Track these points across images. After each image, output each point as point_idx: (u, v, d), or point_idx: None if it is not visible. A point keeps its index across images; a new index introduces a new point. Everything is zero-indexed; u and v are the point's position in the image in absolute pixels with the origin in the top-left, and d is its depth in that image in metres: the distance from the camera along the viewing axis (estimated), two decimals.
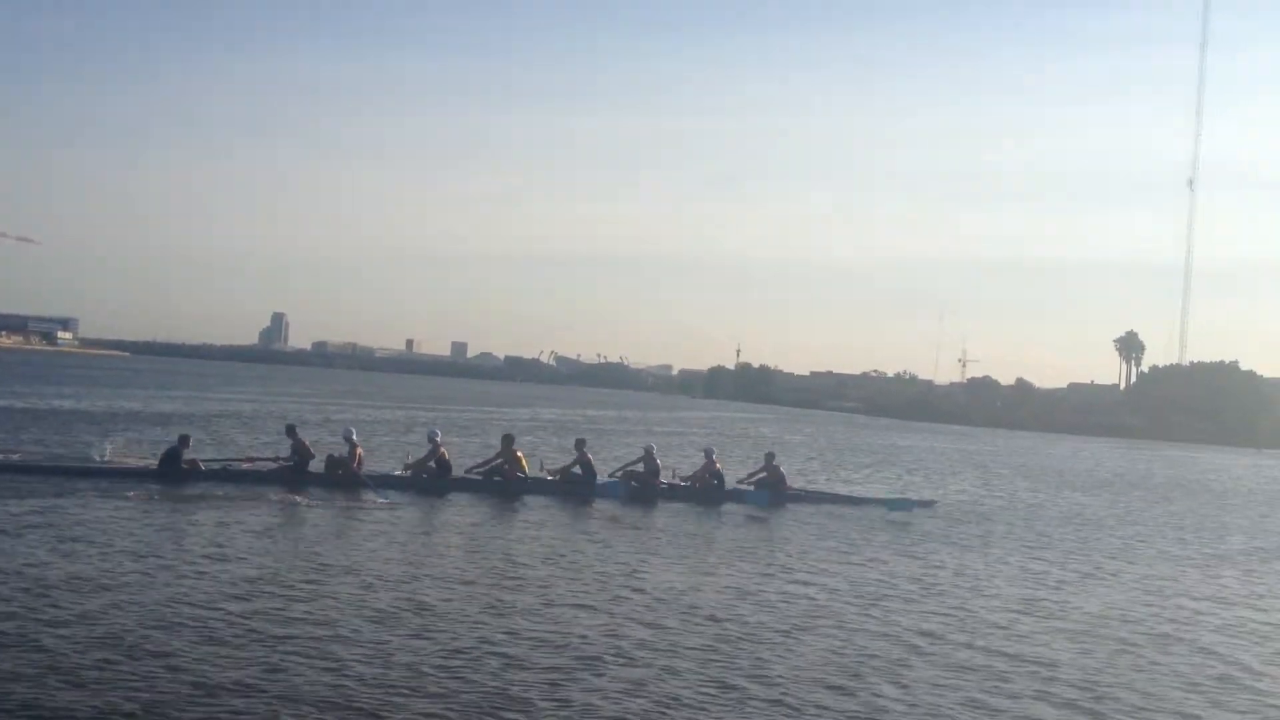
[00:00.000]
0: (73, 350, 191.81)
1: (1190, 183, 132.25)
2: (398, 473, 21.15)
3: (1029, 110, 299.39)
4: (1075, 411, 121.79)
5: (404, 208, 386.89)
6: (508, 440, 22.10)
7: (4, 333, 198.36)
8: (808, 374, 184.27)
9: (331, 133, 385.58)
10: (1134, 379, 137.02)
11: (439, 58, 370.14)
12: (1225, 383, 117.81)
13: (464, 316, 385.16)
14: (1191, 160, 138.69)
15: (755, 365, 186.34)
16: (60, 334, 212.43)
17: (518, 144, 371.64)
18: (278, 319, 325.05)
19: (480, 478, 21.34)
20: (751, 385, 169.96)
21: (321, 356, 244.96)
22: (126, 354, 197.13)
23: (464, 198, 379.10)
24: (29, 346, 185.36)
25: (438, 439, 21.71)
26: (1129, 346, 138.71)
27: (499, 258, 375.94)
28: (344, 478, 19.99)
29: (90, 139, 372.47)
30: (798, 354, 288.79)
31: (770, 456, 24.08)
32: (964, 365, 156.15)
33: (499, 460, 21.57)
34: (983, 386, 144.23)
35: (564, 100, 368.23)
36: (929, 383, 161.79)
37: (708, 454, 23.41)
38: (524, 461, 21.77)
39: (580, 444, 22.82)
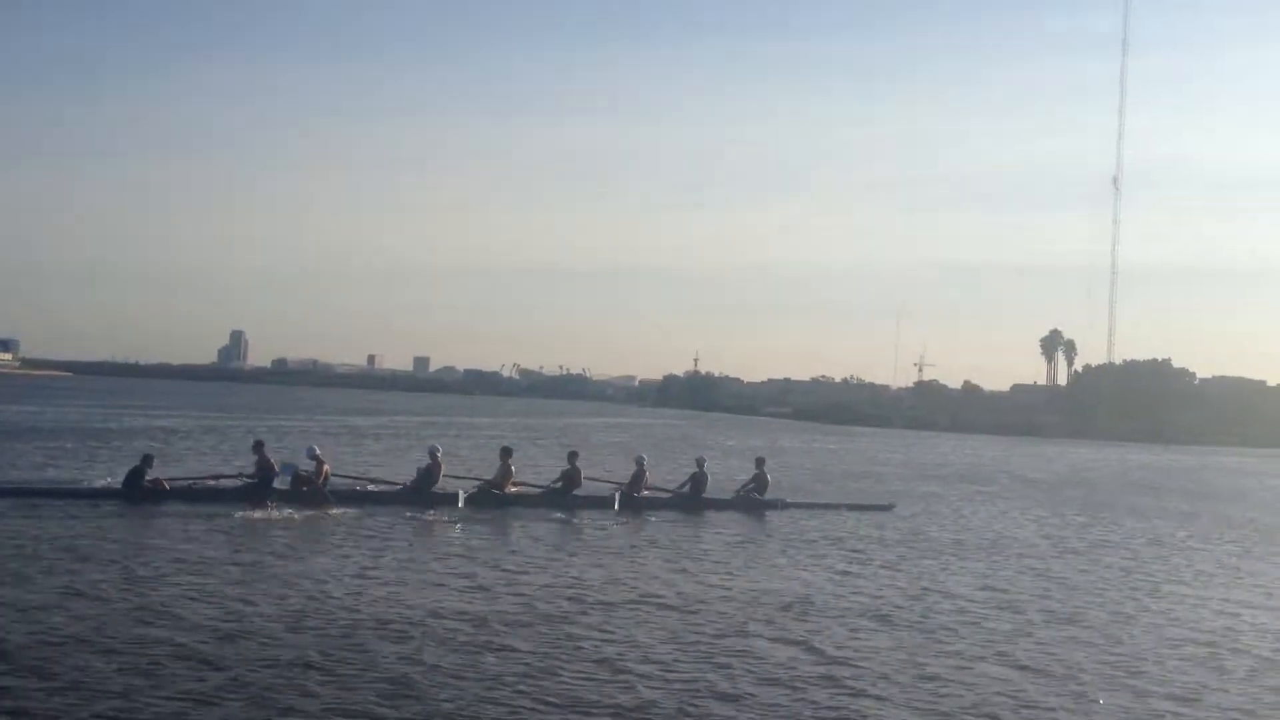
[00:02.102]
0: (12, 371, 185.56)
1: (1115, 181, 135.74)
2: (371, 487, 21.36)
3: (977, 119, 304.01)
4: (1011, 411, 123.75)
5: (364, 221, 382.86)
6: (505, 453, 22.64)
7: None
8: (762, 380, 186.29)
9: (290, 144, 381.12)
10: (1066, 378, 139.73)
11: (398, 68, 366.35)
12: (1155, 381, 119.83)
13: (426, 331, 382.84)
14: (1115, 159, 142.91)
15: (708, 374, 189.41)
16: (0, 355, 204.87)
17: (480, 154, 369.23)
18: (236, 336, 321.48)
19: (476, 490, 21.62)
20: (698, 393, 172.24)
21: (281, 374, 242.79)
22: (69, 374, 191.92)
23: (426, 209, 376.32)
24: None
25: (438, 454, 22.02)
26: (1052, 345, 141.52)
27: (461, 270, 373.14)
28: (309, 494, 20.13)
29: (38, 153, 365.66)
30: (759, 361, 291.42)
31: (760, 462, 24.70)
32: (920, 369, 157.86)
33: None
34: (930, 390, 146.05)
35: (524, 109, 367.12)
36: (881, 386, 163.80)
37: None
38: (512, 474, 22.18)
39: (572, 456, 23.22)
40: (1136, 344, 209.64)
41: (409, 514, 19.43)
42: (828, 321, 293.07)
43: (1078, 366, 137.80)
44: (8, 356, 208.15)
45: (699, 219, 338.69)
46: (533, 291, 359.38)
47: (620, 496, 22.39)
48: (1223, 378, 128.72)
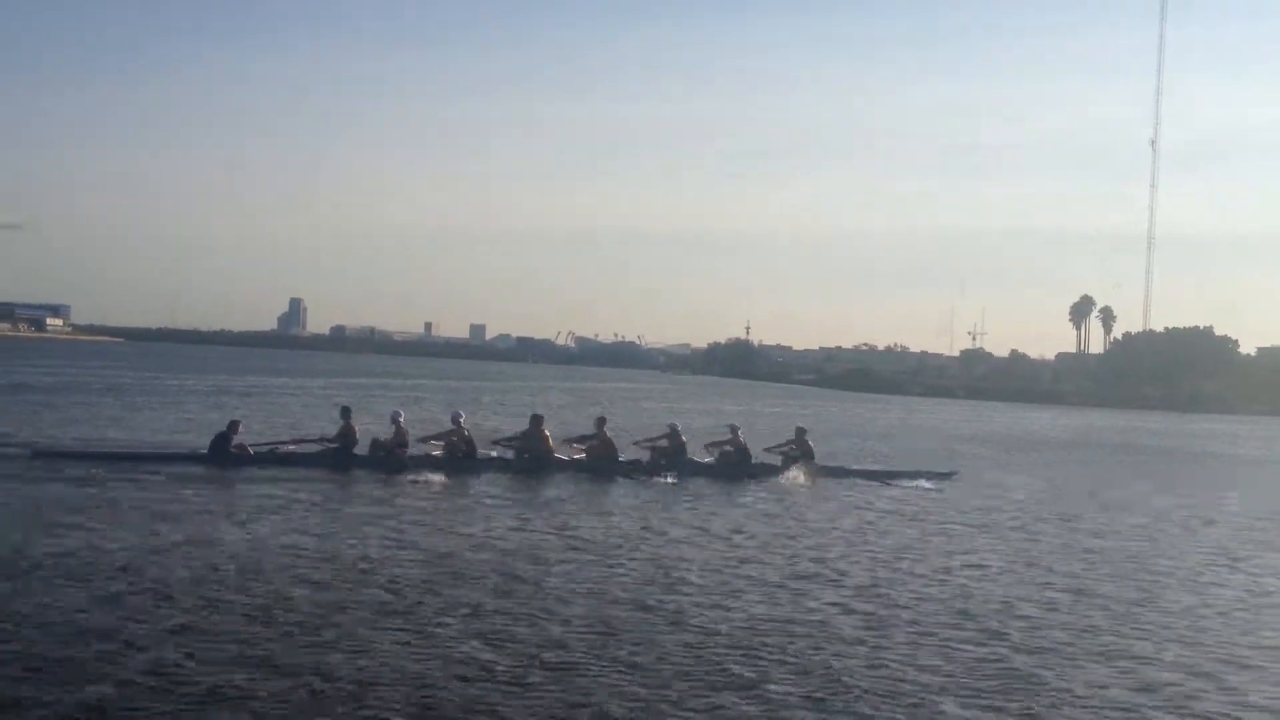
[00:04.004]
0: (63, 337, 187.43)
1: (1152, 143, 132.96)
2: (435, 453, 21.85)
3: (1020, 87, 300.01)
4: (1034, 379, 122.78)
5: (422, 190, 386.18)
6: (536, 420, 22.84)
7: None
8: (815, 348, 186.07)
9: (352, 117, 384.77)
10: (1105, 345, 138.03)
11: (454, 43, 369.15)
12: (1195, 349, 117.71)
13: (483, 298, 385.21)
14: (1153, 120, 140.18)
15: (748, 342, 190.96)
16: (50, 320, 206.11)
17: (538, 125, 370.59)
18: (295, 304, 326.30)
19: (511, 456, 22.01)
20: (738, 361, 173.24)
21: (339, 341, 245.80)
22: (120, 340, 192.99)
23: (484, 179, 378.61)
24: (15, 334, 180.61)
25: (461, 419, 22.42)
26: (1082, 312, 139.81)
27: (519, 238, 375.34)
28: (387, 459, 20.70)
29: (106, 130, 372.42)
30: (810, 329, 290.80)
31: (801, 431, 24.47)
32: (973, 338, 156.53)
33: (519, 438, 22.43)
34: (975, 358, 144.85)
35: (581, 81, 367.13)
36: (930, 355, 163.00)
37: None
38: (550, 441, 22.48)
39: (600, 422, 23.45)
40: (1185, 313, 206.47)
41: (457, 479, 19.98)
42: (877, 290, 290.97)
43: (1117, 334, 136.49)
44: (59, 322, 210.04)
45: (753, 187, 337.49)
46: (590, 260, 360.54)
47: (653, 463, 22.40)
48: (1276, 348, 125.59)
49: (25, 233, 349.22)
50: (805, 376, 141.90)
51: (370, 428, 23.71)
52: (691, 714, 7.83)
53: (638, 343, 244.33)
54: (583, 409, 43.77)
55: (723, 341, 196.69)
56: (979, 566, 14.00)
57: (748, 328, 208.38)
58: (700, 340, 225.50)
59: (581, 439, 23.17)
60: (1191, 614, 11.84)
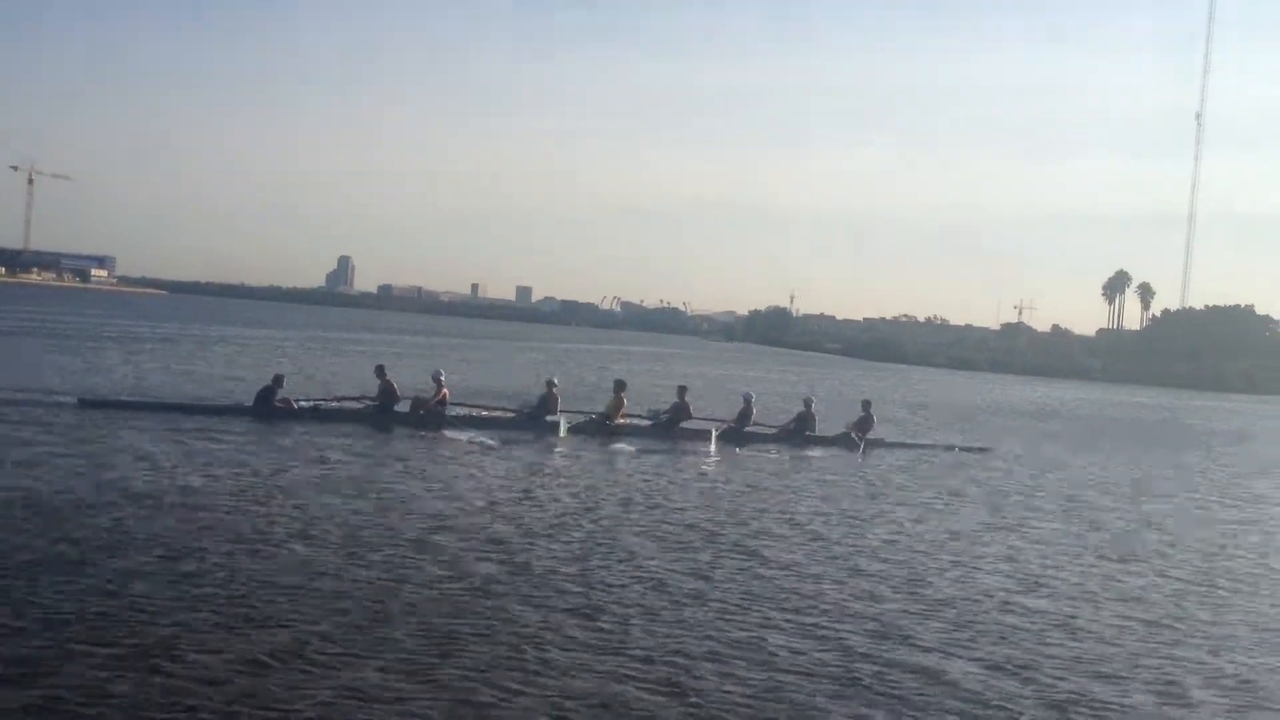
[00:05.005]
0: (108, 288, 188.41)
1: (1198, 117, 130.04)
2: (484, 414, 22.07)
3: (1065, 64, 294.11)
4: (1056, 356, 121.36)
5: (472, 153, 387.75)
6: (619, 385, 23.43)
7: (36, 270, 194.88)
8: (859, 319, 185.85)
9: (404, 81, 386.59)
10: (1143, 322, 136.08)
11: (500, 10, 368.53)
12: (1232, 327, 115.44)
13: (530, 261, 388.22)
14: (1199, 95, 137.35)
15: (784, 310, 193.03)
16: (95, 271, 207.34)
17: (585, 92, 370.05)
18: (344, 262, 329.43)
19: (583, 419, 22.39)
20: (773, 329, 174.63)
21: (385, 299, 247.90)
22: (164, 293, 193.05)
23: (530, 143, 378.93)
24: (60, 284, 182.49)
25: (555, 384, 22.81)
26: (1116, 288, 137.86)
27: (567, 202, 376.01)
28: (426, 417, 20.95)
29: (160, 86, 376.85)
30: (855, 299, 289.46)
31: (866, 404, 24.85)
32: (1019, 312, 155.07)
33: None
34: (1017, 332, 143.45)
35: (627, 48, 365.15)
36: (970, 327, 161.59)
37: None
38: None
39: (681, 391, 23.78)
40: (1228, 290, 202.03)
41: (525, 439, 20.13)
42: (924, 262, 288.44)
43: (1155, 310, 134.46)
44: (103, 273, 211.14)
45: (804, 157, 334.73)
46: (639, 226, 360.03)
47: (724, 432, 22.82)
48: None
49: (74, 183, 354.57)
50: (833, 346, 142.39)
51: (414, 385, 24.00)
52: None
53: (682, 309, 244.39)
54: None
55: (762, 310, 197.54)
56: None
57: (792, 297, 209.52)
58: (746, 308, 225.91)
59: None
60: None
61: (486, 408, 22.84)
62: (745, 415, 23.66)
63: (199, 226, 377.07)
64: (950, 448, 24.93)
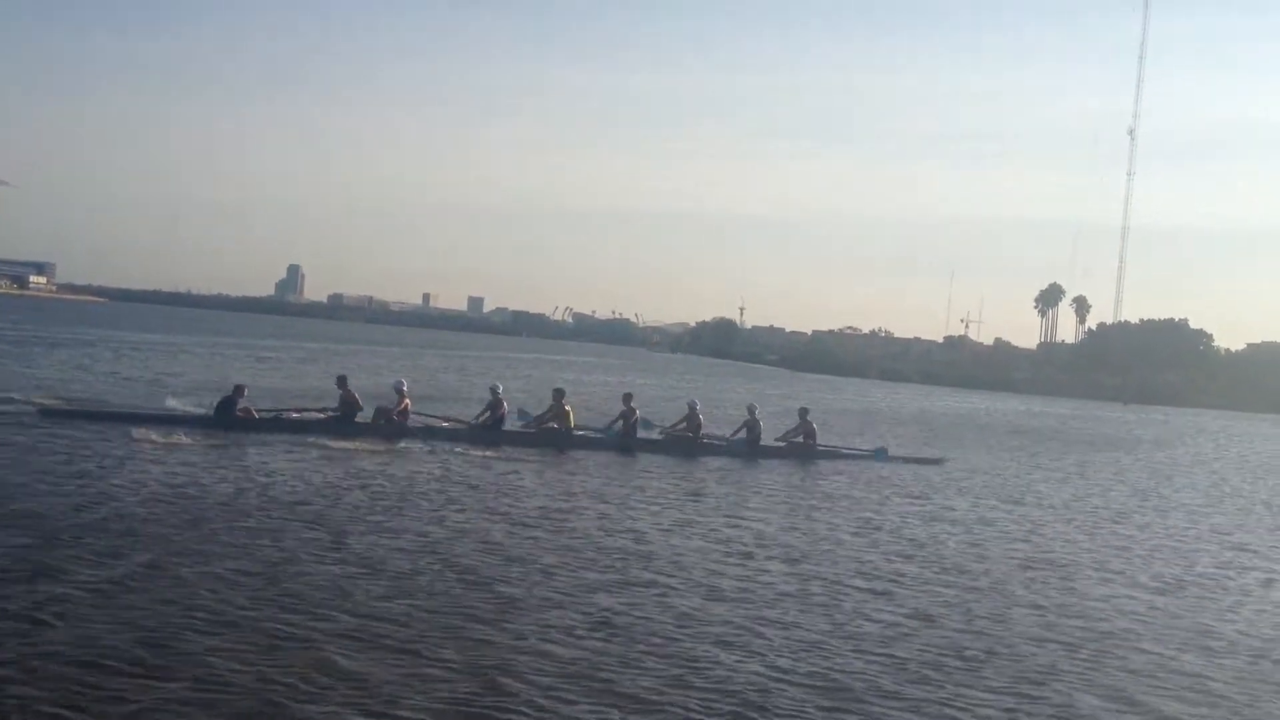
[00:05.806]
0: (46, 295, 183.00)
1: (1130, 131, 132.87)
2: (445, 424, 22.35)
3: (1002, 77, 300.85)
4: (996, 368, 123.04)
5: (425, 160, 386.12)
6: (558, 394, 23.40)
7: None
8: (797, 330, 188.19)
9: (356, 84, 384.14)
10: (1077, 335, 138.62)
11: (455, 12, 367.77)
12: (1167, 341, 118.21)
13: (482, 271, 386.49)
14: (1132, 110, 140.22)
15: (745, 323, 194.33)
16: (33, 278, 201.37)
17: (542, 97, 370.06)
18: (293, 270, 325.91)
19: (533, 430, 22.71)
20: (718, 340, 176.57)
21: (336, 309, 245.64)
22: (103, 300, 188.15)
23: (487, 150, 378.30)
24: None
25: (499, 391, 23.04)
26: (1049, 300, 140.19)
27: (520, 211, 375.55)
28: (388, 427, 21.15)
29: (102, 88, 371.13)
30: (805, 311, 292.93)
31: (804, 412, 25.45)
32: (965, 325, 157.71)
33: (549, 413, 23.09)
34: (960, 345, 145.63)
35: (587, 55, 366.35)
36: (915, 341, 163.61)
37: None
38: (571, 416, 23.01)
39: (627, 398, 24.01)
40: (1161, 305, 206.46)
41: (478, 451, 20.40)
42: (871, 274, 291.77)
43: (1091, 324, 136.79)
44: (43, 280, 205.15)
45: (755, 167, 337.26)
46: (591, 236, 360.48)
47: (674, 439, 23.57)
48: (1268, 343, 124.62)
49: (13, 190, 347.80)
50: (772, 358, 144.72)
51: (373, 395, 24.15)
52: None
53: (634, 320, 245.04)
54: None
55: (710, 321, 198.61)
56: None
57: (741, 308, 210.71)
58: (698, 319, 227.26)
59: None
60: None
61: (447, 418, 23.09)
62: (693, 421, 23.88)
63: (143, 233, 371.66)
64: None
